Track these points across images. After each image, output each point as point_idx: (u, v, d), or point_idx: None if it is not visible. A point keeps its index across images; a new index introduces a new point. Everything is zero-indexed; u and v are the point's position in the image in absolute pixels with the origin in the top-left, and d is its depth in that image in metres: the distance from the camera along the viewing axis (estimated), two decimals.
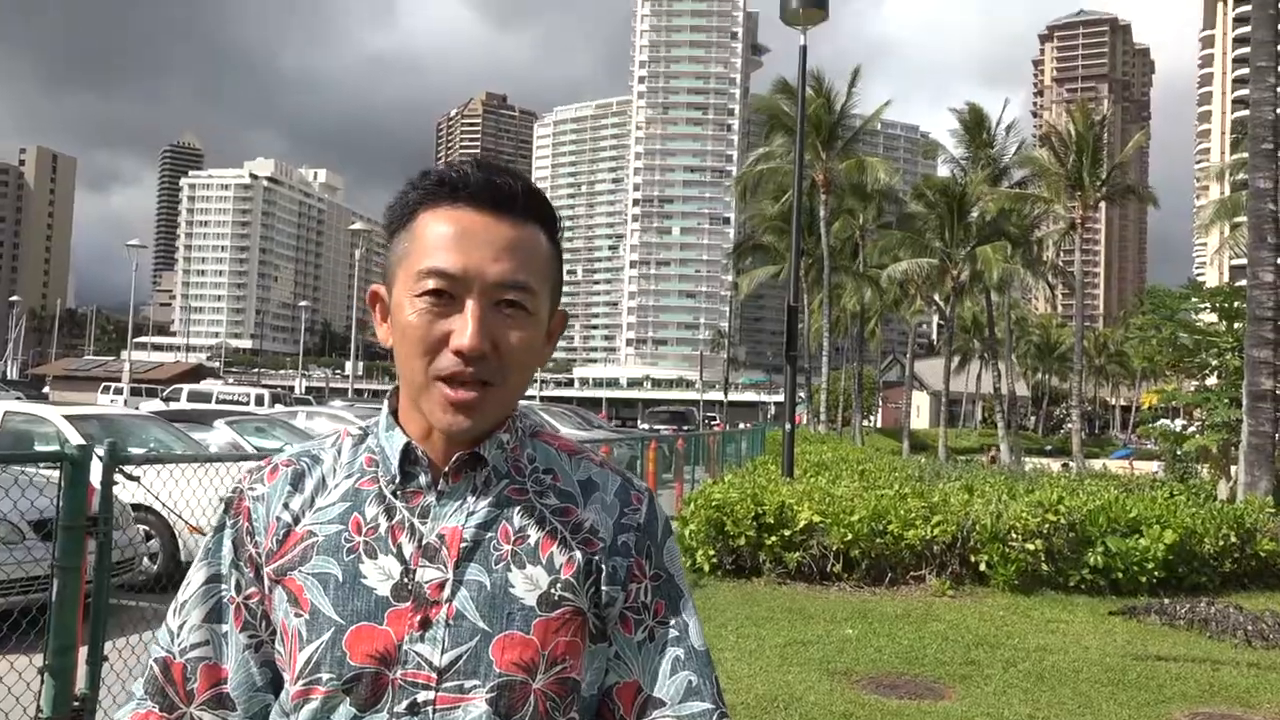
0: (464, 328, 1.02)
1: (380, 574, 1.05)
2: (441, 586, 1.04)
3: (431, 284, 1.04)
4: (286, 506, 1.11)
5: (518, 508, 1.09)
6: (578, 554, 1.08)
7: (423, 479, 1.09)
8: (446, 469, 1.08)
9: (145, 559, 7.54)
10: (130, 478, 4.45)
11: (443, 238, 1.05)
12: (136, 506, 7.01)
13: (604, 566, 1.09)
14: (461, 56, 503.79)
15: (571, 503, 1.12)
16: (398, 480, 1.08)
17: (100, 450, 3.98)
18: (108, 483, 3.95)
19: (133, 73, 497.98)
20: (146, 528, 7.79)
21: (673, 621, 1.13)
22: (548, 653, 1.05)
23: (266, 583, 1.10)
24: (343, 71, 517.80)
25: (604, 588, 1.09)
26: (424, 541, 1.06)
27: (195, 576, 1.15)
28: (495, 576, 1.05)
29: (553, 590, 1.06)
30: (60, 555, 3.60)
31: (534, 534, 1.08)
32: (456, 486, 1.08)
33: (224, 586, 1.13)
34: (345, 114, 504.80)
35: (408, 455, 1.09)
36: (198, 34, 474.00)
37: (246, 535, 1.12)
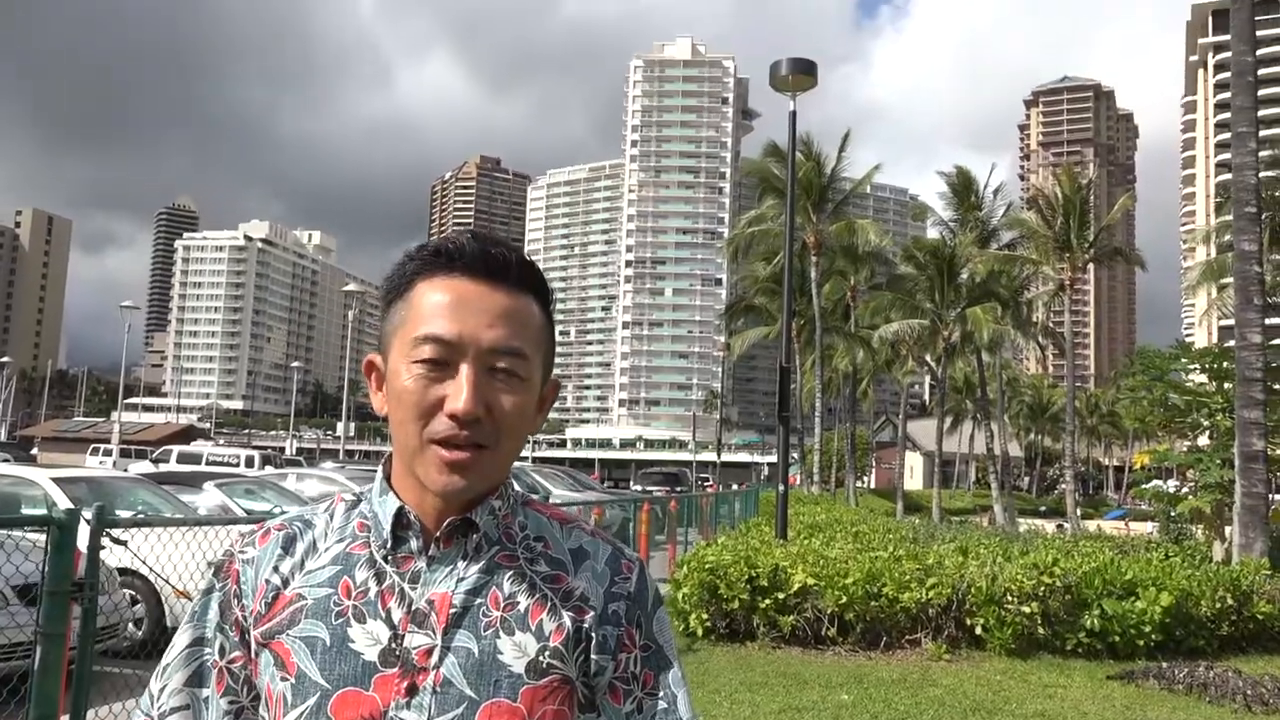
0: (458, 391, 1.04)
1: (368, 639, 1.04)
2: (429, 653, 1.04)
3: (427, 350, 1.06)
4: (276, 570, 1.11)
5: (508, 574, 1.09)
6: (567, 621, 1.08)
7: (414, 544, 1.09)
8: (438, 533, 1.08)
9: (130, 624, 7.42)
10: (117, 541, 4.41)
11: (439, 305, 1.07)
12: (123, 570, 6.93)
13: (594, 635, 1.09)
14: (456, 120, 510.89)
15: (562, 570, 1.12)
16: (389, 545, 1.09)
17: (88, 514, 3.94)
18: (95, 547, 3.91)
19: (130, 137, 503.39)
20: (132, 592, 7.69)
21: (661, 693, 1.12)
22: (521, 715, 1.04)
23: (253, 646, 1.09)
24: (339, 135, 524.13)
25: (594, 656, 1.09)
26: (413, 607, 1.06)
27: (180, 639, 1.14)
28: (484, 643, 1.05)
29: (541, 658, 1.06)
30: (44, 621, 3.55)
31: (524, 600, 1.08)
32: (448, 552, 1.09)
33: (207, 650, 1.12)
34: (341, 177, 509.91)
35: (400, 519, 1.09)
36: (195, 99, 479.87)
37: (234, 599, 1.11)
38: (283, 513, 1.22)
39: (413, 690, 1.02)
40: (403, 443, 1.08)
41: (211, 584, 1.14)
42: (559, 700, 1.06)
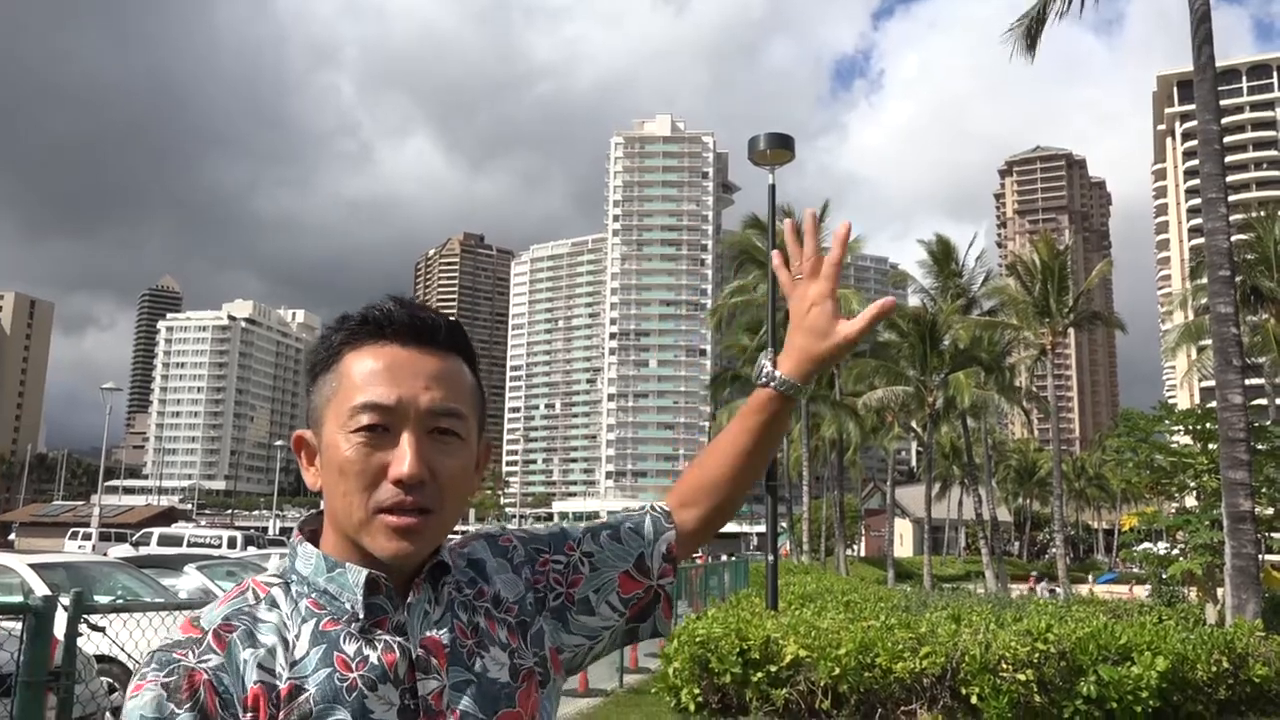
0: (401, 456, 1.06)
1: (383, 704, 1.03)
2: (441, 695, 1.07)
3: (366, 418, 1.06)
4: (262, 667, 1.02)
5: (458, 604, 1.14)
6: (511, 620, 1.17)
7: (388, 603, 1.09)
8: (418, 578, 1.10)
9: (108, 713, 7.24)
10: (95, 628, 4.32)
11: (373, 373, 1.08)
12: (101, 658, 6.78)
13: (531, 620, 1.19)
14: (437, 197, 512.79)
15: (479, 583, 1.18)
16: (362, 616, 1.07)
17: (65, 600, 3.87)
18: (72, 635, 3.83)
19: (112, 218, 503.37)
20: (110, 680, 7.51)
21: (581, 525, 1.30)
22: (529, 716, 1.12)
23: None
24: (321, 214, 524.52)
25: (548, 625, 1.20)
26: (414, 656, 1.07)
27: None
28: (475, 669, 1.10)
29: (514, 660, 1.14)
30: (18, 713, 3.46)
31: (480, 621, 1.14)
32: (418, 599, 1.10)
33: None
34: (324, 255, 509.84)
35: (372, 587, 1.08)
36: (177, 180, 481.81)
37: (220, 709, 0.99)
38: (195, 616, 1.08)
39: None
40: (346, 514, 1.07)
41: (168, 710, 0.97)
42: (533, 688, 1.14)
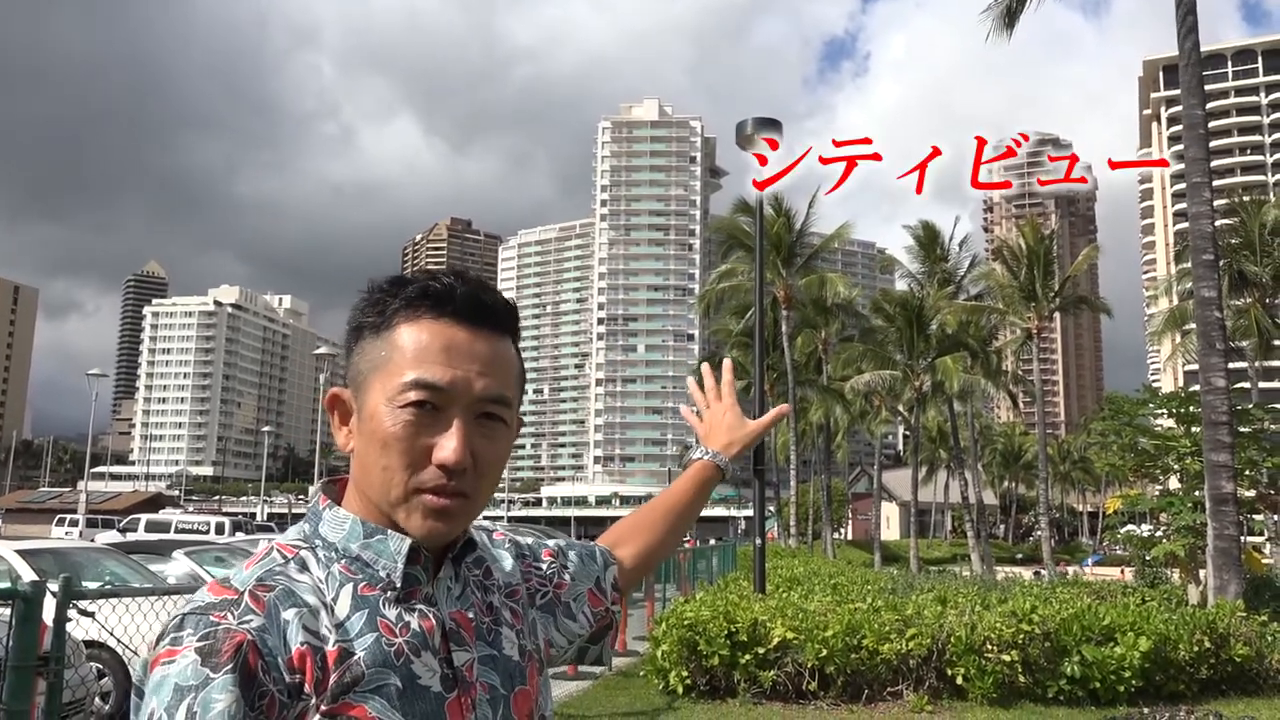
0: (448, 442, 1.05)
1: (428, 670, 1.05)
2: (471, 667, 1.10)
3: (415, 395, 1.05)
4: (306, 629, 0.99)
5: (472, 583, 1.17)
6: (514, 605, 1.22)
7: (423, 574, 1.10)
8: (452, 554, 1.13)
9: (97, 699, 7.25)
10: (84, 613, 4.33)
11: (428, 350, 1.07)
12: (89, 643, 6.78)
13: (525, 610, 1.24)
14: (423, 181, 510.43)
15: (485, 563, 1.22)
16: (399, 584, 1.07)
17: (54, 586, 3.88)
18: (61, 620, 3.84)
19: (93, 203, 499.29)
20: (99, 665, 7.52)
21: (550, 540, 1.41)
22: (534, 695, 1.17)
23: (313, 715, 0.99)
24: (306, 198, 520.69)
25: (540, 617, 1.27)
26: (447, 628, 1.09)
27: None
28: (494, 645, 1.14)
29: (520, 640, 1.18)
30: (8, 697, 3.47)
31: (494, 599, 1.19)
32: (444, 575, 1.12)
33: None
34: (309, 238, 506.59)
35: (412, 557, 1.08)
36: (159, 164, 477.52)
37: (263, 673, 0.95)
38: (224, 578, 1.04)
39: (472, 706, 1.08)
40: (384, 487, 1.07)
41: (204, 676, 0.92)
42: (534, 669, 1.19)
